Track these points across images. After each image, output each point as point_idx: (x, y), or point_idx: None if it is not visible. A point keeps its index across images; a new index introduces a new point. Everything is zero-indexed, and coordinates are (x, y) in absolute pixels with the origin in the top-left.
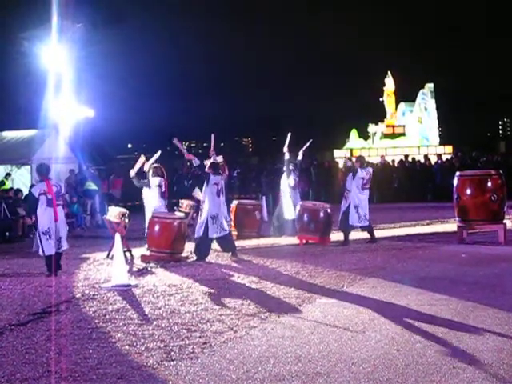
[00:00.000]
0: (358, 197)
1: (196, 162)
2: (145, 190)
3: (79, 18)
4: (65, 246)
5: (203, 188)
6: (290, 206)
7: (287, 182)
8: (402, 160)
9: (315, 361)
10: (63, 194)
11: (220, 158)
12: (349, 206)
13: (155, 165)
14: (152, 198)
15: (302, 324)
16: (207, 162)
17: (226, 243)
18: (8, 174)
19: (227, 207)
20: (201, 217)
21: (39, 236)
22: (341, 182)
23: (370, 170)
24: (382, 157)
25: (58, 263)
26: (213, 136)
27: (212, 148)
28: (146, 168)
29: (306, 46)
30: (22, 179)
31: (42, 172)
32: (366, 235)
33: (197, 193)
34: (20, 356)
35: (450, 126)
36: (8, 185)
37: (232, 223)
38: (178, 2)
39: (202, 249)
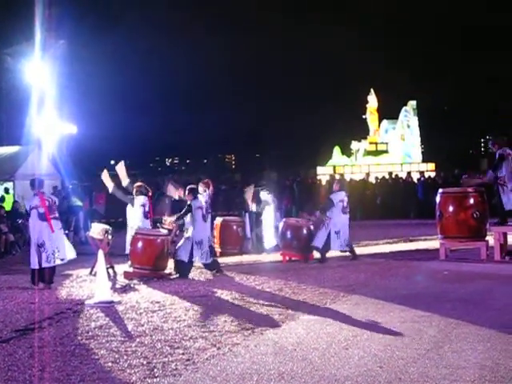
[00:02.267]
0: (339, 221)
1: (175, 196)
2: (128, 207)
3: (62, 34)
4: (69, 256)
5: (189, 215)
6: (270, 229)
7: (271, 209)
8: (384, 177)
9: (298, 377)
10: (56, 206)
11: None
12: (329, 232)
13: (139, 183)
14: (135, 217)
15: (285, 341)
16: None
17: (211, 264)
18: (7, 189)
19: (211, 224)
20: (185, 240)
21: (35, 249)
22: (323, 199)
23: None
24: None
25: (51, 277)
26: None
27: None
28: (123, 183)
29: (290, 63)
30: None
31: (34, 186)
32: (348, 252)
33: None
34: (2, 373)
35: (432, 143)
36: (10, 199)
37: (216, 240)
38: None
39: (184, 266)
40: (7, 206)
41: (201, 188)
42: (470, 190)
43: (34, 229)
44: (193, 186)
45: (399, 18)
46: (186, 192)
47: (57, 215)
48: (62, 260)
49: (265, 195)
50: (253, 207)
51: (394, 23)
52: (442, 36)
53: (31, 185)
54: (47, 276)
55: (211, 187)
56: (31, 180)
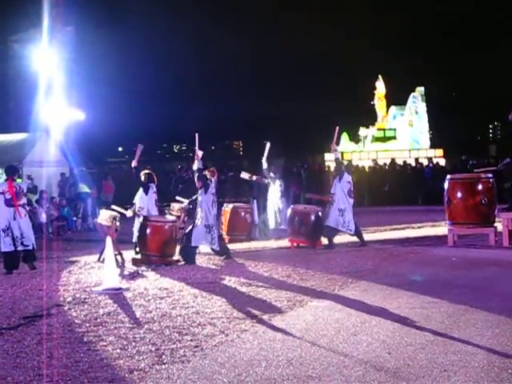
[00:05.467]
0: (343, 201)
1: (199, 164)
2: (137, 195)
3: (70, 20)
4: (30, 245)
5: (200, 196)
6: (273, 214)
7: (274, 190)
8: (392, 163)
9: (306, 364)
10: (24, 194)
11: (200, 153)
12: (332, 208)
13: (147, 171)
14: (147, 204)
15: (293, 327)
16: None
17: (220, 250)
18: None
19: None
20: (197, 226)
21: None
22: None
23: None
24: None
25: (29, 262)
26: (196, 136)
27: (196, 148)
28: (133, 163)
29: (296, 49)
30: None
31: (7, 173)
32: (356, 238)
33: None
34: (11, 360)
35: (440, 129)
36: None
37: (224, 227)
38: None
39: (190, 252)
40: None
41: (208, 175)
42: (478, 176)
43: (0, 213)
44: (204, 173)
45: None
46: (197, 177)
47: (24, 202)
48: (25, 246)
49: (270, 173)
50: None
51: (403, 8)
52: (451, 22)
53: (5, 171)
54: (8, 260)
55: (216, 175)
56: (6, 167)
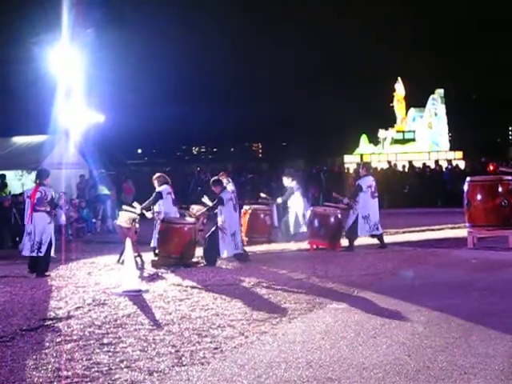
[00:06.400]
0: (367, 207)
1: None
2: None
3: (90, 22)
4: (42, 253)
5: (220, 208)
6: (296, 217)
7: (297, 197)
8: (412, 165)
9: (326, 366)
10: (49, 200)
11: None
12: (357, 217)
13: (158, 174)
14: (164, 205)
15: (313, 329)
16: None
17: (241, 255)
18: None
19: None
20: (222, 235)
21: (24, 236)
22: (351, 187)
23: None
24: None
25: (38, 267)
26: None
27: None
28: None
29: (316, 51)
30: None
31: (36, 176)
32: (375, 240)
33: (206, 200)
34: (31, 361)
35: (459, 131)
36: (8, 189)
37: (243, 228)
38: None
39: (212, 254)
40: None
41: (224, 180)
42: (498, 178)
43: (25, 217)
44: (216, 178)
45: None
46: (212, 185)
47: (43, 208)
48: (38, 254)
49: (288, 182)
50: (278, 200)
51: (422, 11)
52: (470, 23)
53: (36, 174)
54: (31, 263)
55: (228, 177)
56: (37, 170)
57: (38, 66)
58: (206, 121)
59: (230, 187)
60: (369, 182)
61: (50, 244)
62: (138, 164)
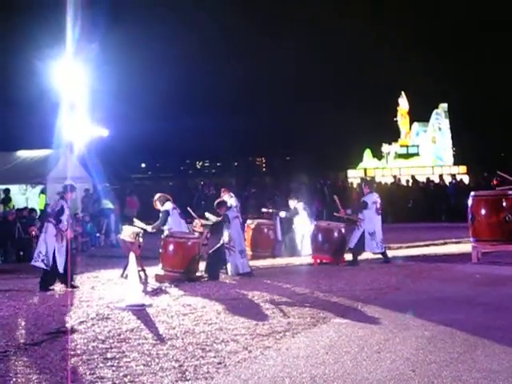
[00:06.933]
0: (372, 223)
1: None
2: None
3: (94, 37)
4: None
5: (226, 226)
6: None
7: (303, 216)
8: (416, 180)
9: (330, 381)
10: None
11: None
12: (363, 233)
13: (158, 195)
14: (174, 222)
15: (317, 344)
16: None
17: (246, 273)
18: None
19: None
20: (230, 252)
21: None
22: (355, 201)
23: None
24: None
25: (40, 280)
26: None
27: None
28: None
29: (319, 66)
30: (36, 198)
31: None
32: (379, 255)
33: (209, 215)
34: (34, 375)
35: (463, 146)
36: (12, 203)
37: (247, 243)
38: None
39: (215, 268)
40: (41, 205)
41: (226, 196)
42: (502, 192)
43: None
44: (220, 200)
45: (430, 20)
46: (217, 207)
47: (53, 221)
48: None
49: (294, 203)
50: (281, 213)
51: (425, 25)
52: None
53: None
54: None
55: (229, 192)
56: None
57: (42, 80)
58: (209, 135)
59: (233, 202)
60: (373, 198)
61: (54, 258)
62: (141, 178)
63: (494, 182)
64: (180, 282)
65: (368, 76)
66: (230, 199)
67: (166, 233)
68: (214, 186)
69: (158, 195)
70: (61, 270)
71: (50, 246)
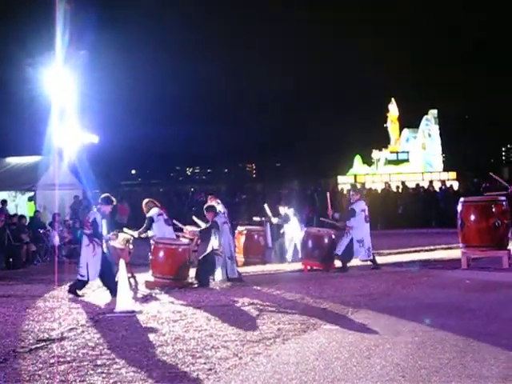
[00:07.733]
0: (361, 230)
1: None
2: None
3: (84, 44)
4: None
5: (217, 234)
6: (295, 247)
7: (294, 223)
8: (406, 186)
9: None
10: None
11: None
12: (351, 240)
13: (146, 200)
14: (158, 229)
15: (307, 350)
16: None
17: (236, 278)
18: (30, 198)
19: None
20: (218, 258)
21: None
22: (344, 207)
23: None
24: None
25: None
26: None
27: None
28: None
29: (309, 72)
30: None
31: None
32: (369, 262)
33: (197, 220)
34: (24, 383)
35: (453, 152)
36: (32, 208)
37: (238, 250)
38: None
39: (204, 274)
40: (30, 212)
41: (214, 202)
42: (491, 198)
43: None
44: (209, 204)
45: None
46: (206, 211)
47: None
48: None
49: (284, 210)
50: (273, 220)
51: (416, 33)
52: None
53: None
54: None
55: (217, 199)
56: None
57: (33, 87)
58: (199, 141)
59: (221, 208)
60: (362, 206)
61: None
62: (131, 185)
63: (488, 184)
64: (170, 288)
65: (358, 82)
66: (217, 206)
67: (151, 241)
68: (205, 193)
69: (145, 200)
70: (92, 278)
71: (84, 257)
